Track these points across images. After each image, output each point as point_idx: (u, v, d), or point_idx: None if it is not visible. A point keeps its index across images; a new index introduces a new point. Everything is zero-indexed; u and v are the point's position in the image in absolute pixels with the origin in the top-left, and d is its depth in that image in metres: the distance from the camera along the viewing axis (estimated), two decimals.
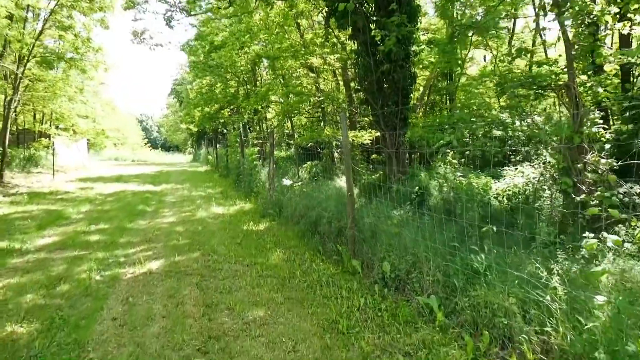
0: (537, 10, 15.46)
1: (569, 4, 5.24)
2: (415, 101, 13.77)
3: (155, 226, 8.29)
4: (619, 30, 5.55)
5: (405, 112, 9.63)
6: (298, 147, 17.20)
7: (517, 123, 11.14)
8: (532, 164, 10.20)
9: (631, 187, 4.80)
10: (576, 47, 6.13)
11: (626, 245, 3.59)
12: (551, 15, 5.89)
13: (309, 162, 15.63)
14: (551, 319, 2.96)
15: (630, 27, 5.43)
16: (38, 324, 3.86)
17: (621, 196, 4.71)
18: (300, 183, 10.09)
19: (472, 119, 7.62)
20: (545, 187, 7.37)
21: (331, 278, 5.05)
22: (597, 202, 4.83)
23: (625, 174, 4.91)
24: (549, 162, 10.30)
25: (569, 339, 2.81)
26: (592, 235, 3.93)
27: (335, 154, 16.39)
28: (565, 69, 5.88)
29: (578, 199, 5.24)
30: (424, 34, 11.96)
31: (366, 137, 11.14)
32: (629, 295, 2.81)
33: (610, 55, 6.82)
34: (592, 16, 5.89)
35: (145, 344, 3.52)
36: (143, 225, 8.38)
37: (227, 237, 7.26)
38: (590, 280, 3.01)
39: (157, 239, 7.19)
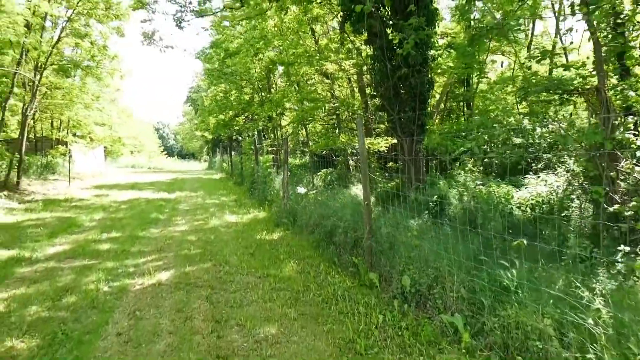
0: (557, 14, 15.10)
1: (598, 3, 4.95)
2: (432, 108, 13.46)
3: (167, 235, 8.13)
4: None
5: (422, 119, 9.37)
6: (313, 154, 17.01)
7: (540, 129, 10.79)
8: (555, 172, 9.84)
9: None
10: (605, 49, 5.82)
11: None
12: (573, 17, 5.61)
13: (323, 170, 15.41)
14: (594, 345, 2.66)
15: None
16: (39, 339, 3.68)
17: None
18: (314, 191, 9.87)
19: (493, 125, 7.33)
20: (574, 197, 7.00)
21: (347, 292, 4.80)
22: (632, 212, 4.51)
23: None
24: (573, 170, 9.94)
25: None
26: (628, 249, 3.63)
27: (351, 162, 16.16)
28: (594, 72, 5.58)
29: (611, 209, 4.92)
30: (441, 38, 11.67)
31: (382, 144, 10.88)
32: None
33: None
34: (622, 16, 5.60)
35: None
36: (155, 234, 8.23)
37: (240, 246, 7.05)
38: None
39: (169, 248, 7.02)
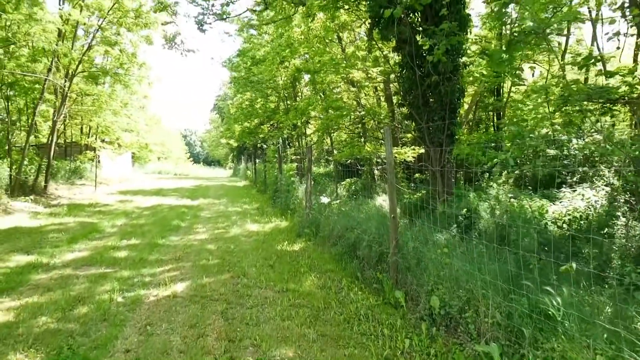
0: (594, 20, 14.49)
1: None
2: (460, 118, 13.05)
3: (187, 243, 7.97)
4: None
5: (452, 128, 9.00)
6: (337, 163, 16.75)
7: (576, 141, 10.25)
8: (592, 186, 9.30)
9: None
10: None
11: None
12: (611, 24, 5.23)
13: (348, 180, 15.12)
14: None
15: None
16: (44, 353, 3.50)
17: None
18: (338, 201, 9.58)
19: (529, 136, 6.91)
20: (619, 214, 6.51)
21: (371, 311, 4.48)
22: None
23: None
24: (613, 184, 9.37)
25: None
26: None
27: (376, 172, 15.82)
28: None
29: None
30: (474, 44, 11.25)
31: (409, 154, 10.53)
32: None
33: None
34: None
35: None
36: (175, 242, 8.08)
37: (260, 257, 6.81)
38: None
39: (187, 258, 6.83)
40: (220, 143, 48.28)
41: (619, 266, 5.76)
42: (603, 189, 8.96)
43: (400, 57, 9.52)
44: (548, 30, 6.98)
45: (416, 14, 8.96)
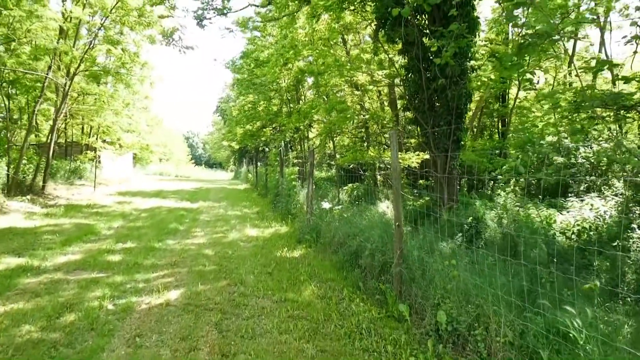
0: (602, 27, 14.29)
1: None
2: (465, 123, 12.84)
3: (184, 248, 7.74)
4: None
5: (458, 134, 8.80)
6: (339, 168, 16.54)
7: (585, 149, 10.01)
8: (602, 196, 9.05)
9: None
10: None
11: None
12: (620, 29, 4.99)
13: (350, 184, 14.89)
14: None
15: None
16: None
17: None
18: (340, 207, 9.35)
19: (540, 143, 6.68)
20: (635, 226, 6.26)
21: (373, 324, 4.24)
22: None
23: None
24: (623, 193, 9.12)
25: None
26: None
27: (378, 177, 15.59)
28: None
29: None
30: (481, 47, 11.00)
31: (414, 159, 10.30)
32: None
33: None
34: None
35: None
36: (171, 246, 7.85)
37: (258, 264, 6.58)
38: None
39: (183, 263, 6.61)
40: (222, 145, 48.13)
41: (633, 281, 5.52)
42: (613, 199, 8.72)
43: (406, 60, 9.32)
44: (557, 36, 6.77)
45: (423, 15, 8.76)
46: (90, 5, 14.38)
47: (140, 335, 3.88)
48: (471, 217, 7.54)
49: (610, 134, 10.25)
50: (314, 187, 9.70)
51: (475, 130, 17.04)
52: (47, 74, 12.80)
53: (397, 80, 12.10)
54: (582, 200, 8.98)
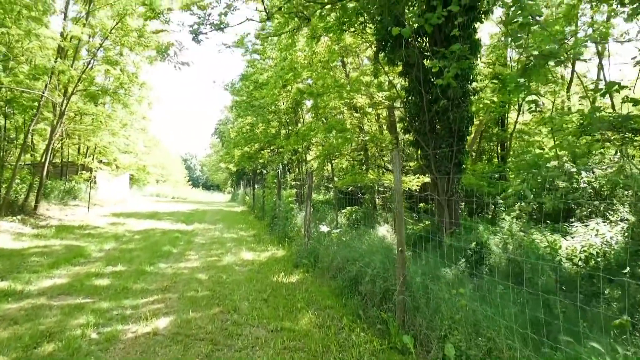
0: (600, 53, 14.34)
1: None
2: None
3: (176, 272, 7.43)
4: None
5: (460, 157, 8.62)
6: (337, 190, 16.32)
7: (586, 173, 9.84)
8: (607, 221, 8.83)
9: None
10: None
11: None
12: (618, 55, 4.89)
13: (348, 208, 14.65)
14: None
15: None
16: None
17: None
18: (338, 230, 9.09)
19: (546, 166, 6.49)
20: None
21: (375, 357, 3.96)
22: None
23: None
24: (628, 219, 8.90)
25: None
26: None
27: (377, 200, 15.38)
28: None
29: None
30: (485, 68, 10.90)
31: (414, 182, 10.10)
32: None
33: None
34: None
35: None
36: (163, 270, 7.55)
37: (253, 290, 6.28)
38: None
39: (174, 288, 6.30)
40: (220, 167, 48.02)
41: None
42: (618, 224, 8.50)
43: (407, 82, 9.22)
44: (564, 56, 6.63)
45: (424, 37, 8.70)
46: (91, 26, 14.38)
47: None
48: (474, 242, 7.29)
49: (612, 159, 10.11)
50: (312, 209, 9.46)
51: (474, 154, 16.94)
52: (43, 93, 12.65)
53: (397, 103, 12.01)
54: (586, 226, 8.76)
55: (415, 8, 8.32)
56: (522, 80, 5.76)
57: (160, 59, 10.32)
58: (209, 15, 8.09)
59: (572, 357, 2.81)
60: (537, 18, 4.64)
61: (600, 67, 14.32)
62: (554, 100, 16.29)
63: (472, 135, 15.77)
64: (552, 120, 7.50)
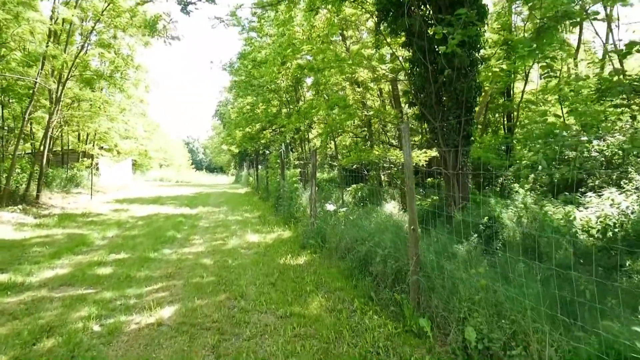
0: (609, 18, 13.79)
1: None
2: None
3: (180, 257, 7.26)
4: None
5: (468, 129, 8.31)
6: (342, 168, 16.06)
7: (600, 141, 9.53)
8: (621, 190, 8.55)
9: None
10: None
11: None
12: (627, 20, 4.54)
13: (354, 185, 14.41)
14: None
15: None
16: None
17: None
18: (345, 209, 8.87)
19: (562, 135, 6.18)
20: None
21: (390, 342, 3.77)
22: None
23: None
24: None
25: None
26: None
27: (382, 177, 15.12)
28: None
29: None
30: (494, 34, 10.39)
31: (421, 157, 9.82)
32: None
33: None
34: None
35: None
36: (167, 256, 7.37)
37: (260, 274, 6.09)
38: None
39: (179, 275, 6.13)
40: (222, 150, 47.72)
41: None
42: (634, 193, 8.22)
43: (410, 53, 8.84)
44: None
45: (428, 5, 8.29)
46: (82, 9, 13.95)
47: None
48: (486, 217, 7.04)
49: (624, 126, 9.77)
50: (317, 188, 9.23)
51: (480, 126, 16.56)
52: (36, 79, 12.32)
53: (400, 76, 11.63)
54: (600, 196, 8.48)
55: None
56: (534, 45, 5.44)
57: (149, 33, 9.92)
58: None
59: (611, 341, 2.59)
60: None
61: (610, 30, 13.81)
62: (561, 67, 15.82)
63: (479, 107, 15.39)
64: (561, 88, 7.16)
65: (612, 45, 14.43)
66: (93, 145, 22.21)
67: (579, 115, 7.14)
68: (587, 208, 8.26)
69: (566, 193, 8.06)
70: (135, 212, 13.79)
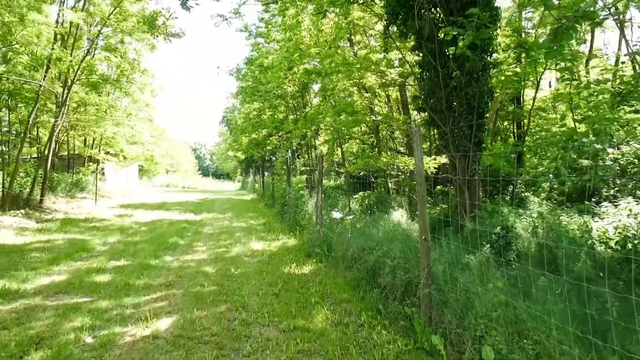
0: (620, 23, 13.54)
1: None
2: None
3: (182, 265, 7.04)
4: None
5: (479, 135, 8.06)
6: (349, 175, 15.83)
7: (614, 149, 9.23)
8: (639, 200, 8.23)
9: None
10: None
11: None
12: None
13: (360, 193, 14.15)
14: None
15: None
16: None
17: None
18: (351, 216, 8.63)
19: (582, 140, 5.90)
20: None
21: None
22: None
23: None
24: None
25: None
26: None
27: (390, 184, 14.87)
28: None
29: None
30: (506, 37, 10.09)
31: (430, 164, 9.57)
32: None
33: None
34: None
35: None
36: (169, 263, 7.16)
37: (264, 283, 5.85)
38: None
39: (179, 283, 5.90)
40: (229, 156, 47.67)
41: None
42: None
43: (420, 57, 8.63)
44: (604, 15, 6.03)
45: (438, 8, 8.08)
46: (89, 13, 13.91)
47: None
48: (499, 227, 6.76)
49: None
50: (323, 195, 9.00)
51: (492, 134, 16.28)
52: (41, 83, 12.23)
53: (409, 81, 11.40)
54: (616, 206, 8.17)
55: None
56: (552, 46, 5.19)
57: (149, 30, 9.77)
58: None
59: None
60: None
61: (623, 36, 13.54)
62: (572, 74, 15.54)
63: (489, 114, 15.12)
64: (579, 92, 6.89)
65: (632, 48, 14.14)
66: (99, 150, 22.15)
67: (593, 122, 6.86)
68: (602, 218, 7.95)
69: (585, 202, 7.76)
70: (139, 217, 13.62)
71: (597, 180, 7.61)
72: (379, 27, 10.95)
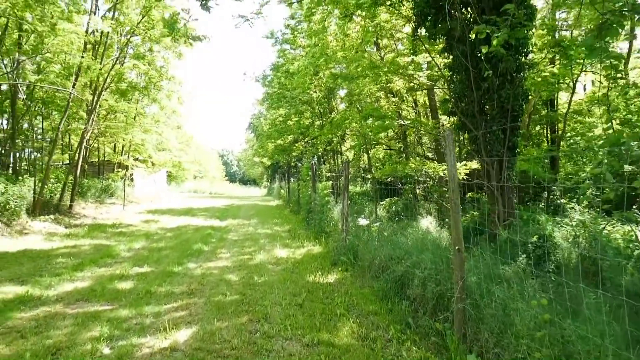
0: None
1: None
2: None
3: (205, 272, 6.91)
4: None
5: (513, 139, 7.68)
6: (375, 181, 15.53)
7: None
8: None
9: None
10: None
11: None
12: None
13: (387, 199, 13.84)
14: None
15: None
16: None
17: None
18: (378, 224, 8.35)
19: (630, 144, 5.48)
20: None
21: None
22: None
23: None
24: None
25: None
26: None
27: (418, 191, 14.50)
28: None
29: None
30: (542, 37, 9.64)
31: (461, 170, 9.20)
32: None
33: None
34: None
35: None
36: (192, 270, 7.04)
37: (287, 293, 5.65)
38: None
39: (201, 292, 5.75)
40: (255, 162, 47.96)
41: None
42: None
43: (450, 59, 8.31)
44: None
45: (469, 8, 7.77)
46: (118, 22, 14.13)
47: None
48: (536, 236, 6.37)
49: None
50: (349, 202, 8.75)
51: (525, 138, 15.73)
52: (71, 91, 12.44)
53: (438, 84, 11.07)
54: None
55: None
56: (597, 43, 4.82)
57: (169, 34, 9.76)
58: None
59: None
60: None
61: None
62: (609, 78, 14.89)
63: (523, 117, 14.61)
64: (626, 92, 6.46)
65: None
66: (128, 157, 22.50)
67: (636, 125, 6.41)
68: None
69: (627, 210, 7.26)
70: (165, 223, 13.67)
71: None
72: (407, 29, 10.68)
